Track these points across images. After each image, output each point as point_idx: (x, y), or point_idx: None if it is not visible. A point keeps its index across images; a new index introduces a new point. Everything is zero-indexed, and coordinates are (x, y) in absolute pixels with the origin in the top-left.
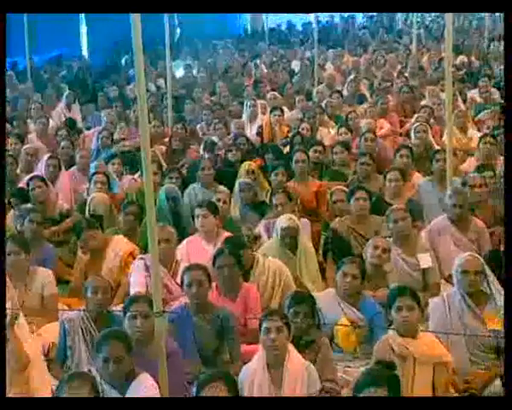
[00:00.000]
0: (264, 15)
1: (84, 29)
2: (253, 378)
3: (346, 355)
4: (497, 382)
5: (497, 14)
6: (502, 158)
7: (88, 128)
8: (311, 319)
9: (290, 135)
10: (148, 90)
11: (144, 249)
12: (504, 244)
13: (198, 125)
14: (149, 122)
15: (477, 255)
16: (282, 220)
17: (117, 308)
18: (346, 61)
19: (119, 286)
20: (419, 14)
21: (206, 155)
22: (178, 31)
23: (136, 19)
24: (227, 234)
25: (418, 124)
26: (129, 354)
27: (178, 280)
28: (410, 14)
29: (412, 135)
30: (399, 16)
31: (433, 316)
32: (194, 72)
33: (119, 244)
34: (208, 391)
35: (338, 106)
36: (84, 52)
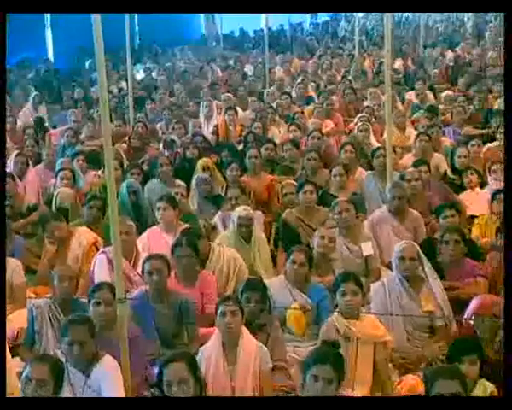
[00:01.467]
0: (218, 22)
1: (49, 33)
2: (209, 358)
3: (296, 336)
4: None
5: (431, 23)
6: (436, 154)
7: (54, 127)
8: (262, 304)
9: (244, 133)
10: (110, 92)
11: (107, 240)
12: (504, 244)
13: (158, 125)
14: (112, 122)
15: (413, 243)
16: (238, 212)
17: (82, 296)
18: (295, 65)
19: (83, 275)
20: (361, 22)
21: (166, 153)
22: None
23: (97, 24)
24: (185, 225)
25: (361, 123)
26: (92, 337)
27: (138, 270)
28: (353, 22)
29: (356, 133)
30: (342, 24)
31: (375, 299)
32: (154, 75)
33: (83, 235)
34: (170, 370)
35: (287, 106)
36: (50, 55)
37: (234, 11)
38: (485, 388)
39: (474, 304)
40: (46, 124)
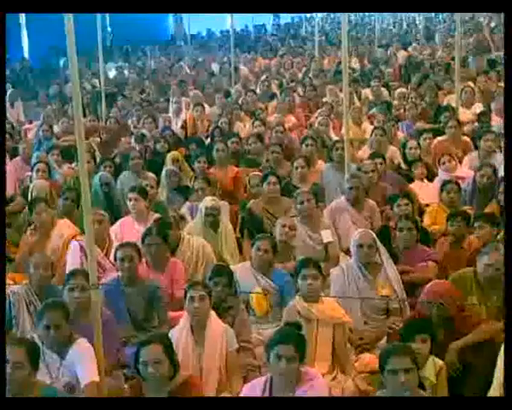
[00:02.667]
0: (185, 23)
1: (25, 33)
2: (179, 340)
3: (260, 319)
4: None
5: (385, 25)
6: (390, 147)
7: (30, 122)
8: (229, 288)
9: (211, 128)
10: (84, 89)
11: (81, 230)
12: (505, 244)
13: (129, 120)
14: (85, 117)
15: (370, 231)
16: (205, 202)
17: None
18: (259, 63)
19: (61, 265)
20: (320, 24)
21: (137, 146)
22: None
23: (69, 23)
24: (156, 215)
25: (320, 118)
26: (67, 321)
27: (111, 258)
28: (314, 23)
29: (317, 127)
30: (303, 25)
31: (334, 283)
32: (126, 73)
33: (64, 228)
34: (147, 351)
35: (252, 103)
36: (26, 54)
37: (221, 11)
38: (434, 364)
39: (426, 289)
40: (22, 119)
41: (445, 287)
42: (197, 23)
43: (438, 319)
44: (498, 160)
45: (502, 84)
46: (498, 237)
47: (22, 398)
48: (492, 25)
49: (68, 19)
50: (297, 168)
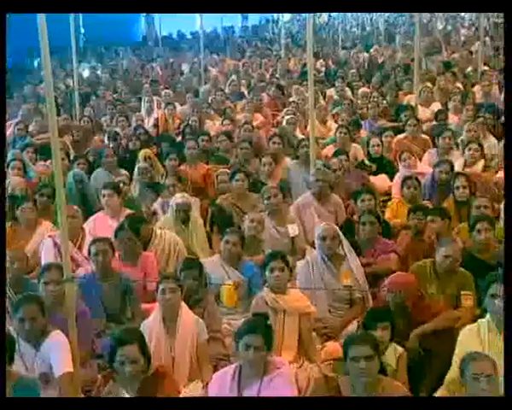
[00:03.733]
0: (157, 25)
1: None
2: (151, 331)
3: (229, 310)
4: (351, 326)
5: (348, 27)
6: (354, 144)
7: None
8: (199, 281)
9: (181, 126)
10: (58, 89)
11: (56, 225)
12: (505, 243)
13: (102, 119)
14: (59, 116)
15: (333, 224)
16: (176, 198)
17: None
18: (228, 64)
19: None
20: (286, 25)
21: (110, 144)
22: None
23: (42, 24)
24: (128, 211)
25: (287, 117)
26: (42, 314)
27: (84, 252)
28: (280, 25)
29: (284, 125)
30: (270, 28)
31: (300, 275)
32: (99, 73)
33: (49, 229)
34: (124, 352)
35: (221, 102)
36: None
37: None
38: (395, 351)
39: (389, 279)
40: None
41: (406, 278)
42: (168, 25)
43: (398, 307)
44: (455, 156)
45: (458, 84)
46: (455, 229)
47: (22, 398)
48: (449, 28)
49: (41, 19)
50: (264, 165)
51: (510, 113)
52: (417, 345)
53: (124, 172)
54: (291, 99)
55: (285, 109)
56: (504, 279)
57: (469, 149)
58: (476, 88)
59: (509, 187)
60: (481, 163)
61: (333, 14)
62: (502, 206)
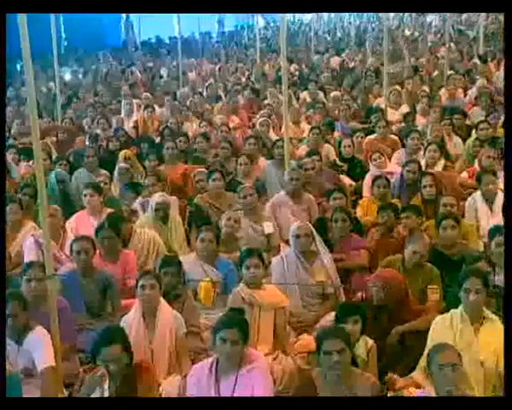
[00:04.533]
0: (136, 30)
1: None
2: (131, 326)
3: (207, 305)
4: (327, 317)
5: (320, 33)
6: (326, 145)
7: None
8: (178, 278)
9: (160, 128)
10: (40, 92)
11: (38, 224)
12: (505, 243)
13: (83, 121)
14: (41, 118)
15: (307, 222)
16: (155, 197)
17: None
18: (205, 68)
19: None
20: (261, 31)
21: (91, 145)
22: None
23: (23, 28)
24: (109, 210)
25: (262, 119)
26: (24, 310)
27: (65, 250)
28: (255, 31)
29: (258, 127)
30: (246, 34)
31: (275, 271)
32: (80, 76)
33: (31, 229)
34: (108, 351)
35: (199, 104)
36: None
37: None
38: (366, 343)
39: (375, 274)
40: None
41: (393, 274)
42: (147, 30)
43: (381, 303)
44: (421, 156)
45: (425, 87)
46: (422, 226)
47: (22, 398)
48: (416, 34)
49: (22, 22)
50: (241, 165)
51: (510, 113)
52: (396, 342)
53: (104, 172)
54: (266, 102)
55: (260, 112)
56: (505, 279)
57: (429, 151)
58: (442, 91)
59: (509, 187)
60: (441, 163)
61: (305, 21)
62: (466, 203)
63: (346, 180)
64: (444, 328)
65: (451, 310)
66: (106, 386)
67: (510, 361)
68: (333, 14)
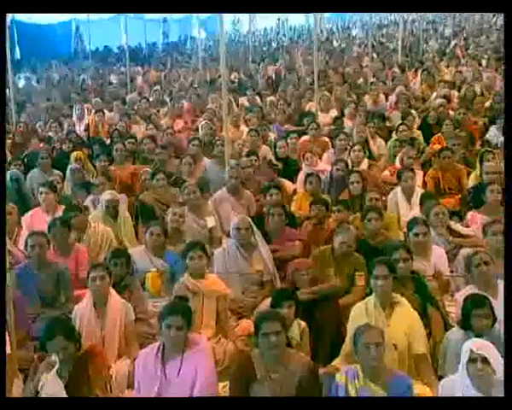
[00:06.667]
0: (86, 40)
1: None
2: (83, 314)
3: (154, 294)
4: (265, 303)
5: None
6: (263, 146)
7: None
8: (127, 269)
9: (110, 131)
10: None
11: None
12: (505, 242)
13: (37, 124)
14: None
15: (246, 216)
16: (106, 195)
17: None
18: (152, 75)
19: None
20: (203, 41)
21: (44, 147)
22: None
23: None
24: (62, 207)
25: (205, 122)
26: None
27: (19, 245)
28: (197, 40)
29: (200, 130)
30: (189, 44)
31: (217, 262)
32: (33, 83)
33: None
34: (53, 344)
35: (146, 109)
36: None
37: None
38: (299, 325)
39: (293, 264)
40: None
41: (307, 262)
42: (96, 39)
43: (305, 285)
44: (350, 156)
45: (352, 93)
46: (350, 218)
47: (22, 398)
48: (343, 45)
49: None
50: (185, 164)
51: (510, 113)
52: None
53: (57, 172)
54: (208, 106)
55: (203, 115)
56: (505, 278)
57: (354, 151)
58: (366, 97)
59: (508, 185)
60: (365, 162)
61: (243, 33)
62: (388, 198)
63: (287, 183)
64: (361, 314)
65: (367, 298)
66: (55, 371)
67: (510, 361)
68: (268, 28)
